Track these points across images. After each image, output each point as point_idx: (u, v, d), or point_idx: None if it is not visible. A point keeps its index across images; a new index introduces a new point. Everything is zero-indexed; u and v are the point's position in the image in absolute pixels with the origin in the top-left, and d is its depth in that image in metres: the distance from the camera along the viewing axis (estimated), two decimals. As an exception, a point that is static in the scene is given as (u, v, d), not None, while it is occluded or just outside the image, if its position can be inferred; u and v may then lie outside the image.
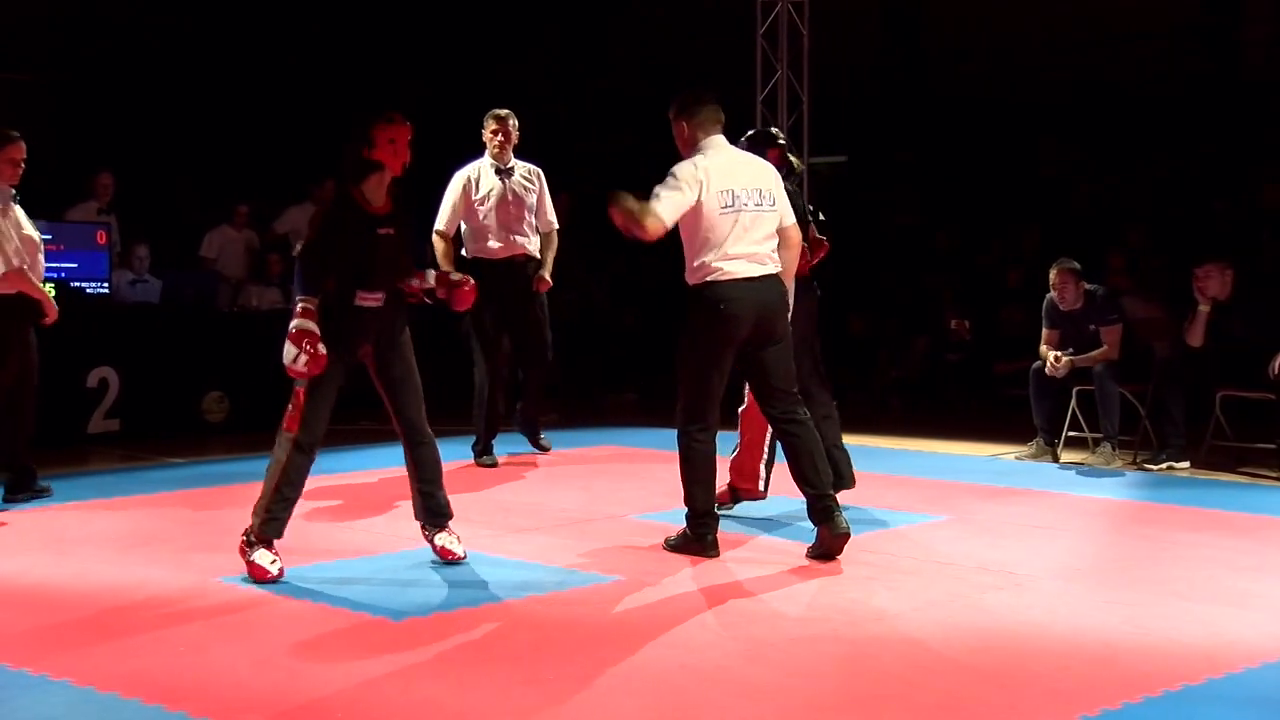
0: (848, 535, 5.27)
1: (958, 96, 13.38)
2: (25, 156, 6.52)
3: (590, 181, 12.54)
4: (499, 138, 7.73)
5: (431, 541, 5.33)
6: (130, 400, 8.90)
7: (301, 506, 6.49)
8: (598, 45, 15.08)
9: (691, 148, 5.45)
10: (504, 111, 7.81)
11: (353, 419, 9.27)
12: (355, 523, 6.09)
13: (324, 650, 4.13)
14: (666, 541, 5.50)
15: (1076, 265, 8.13)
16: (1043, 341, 8.20)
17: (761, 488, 6.25)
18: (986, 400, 10.60)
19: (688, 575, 5.11)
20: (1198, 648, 4.18)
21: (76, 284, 8.94)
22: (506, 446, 8.12)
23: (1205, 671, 3.94)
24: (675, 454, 6.84)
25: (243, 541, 5.06)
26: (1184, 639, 4.28)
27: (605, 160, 13.51)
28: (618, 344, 11.97)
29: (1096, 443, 8.06)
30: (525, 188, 7.85)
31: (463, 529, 5.89)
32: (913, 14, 14.16)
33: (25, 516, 6.27)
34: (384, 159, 5.02)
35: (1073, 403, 8.19)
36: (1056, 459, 8.10)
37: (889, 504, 6.48)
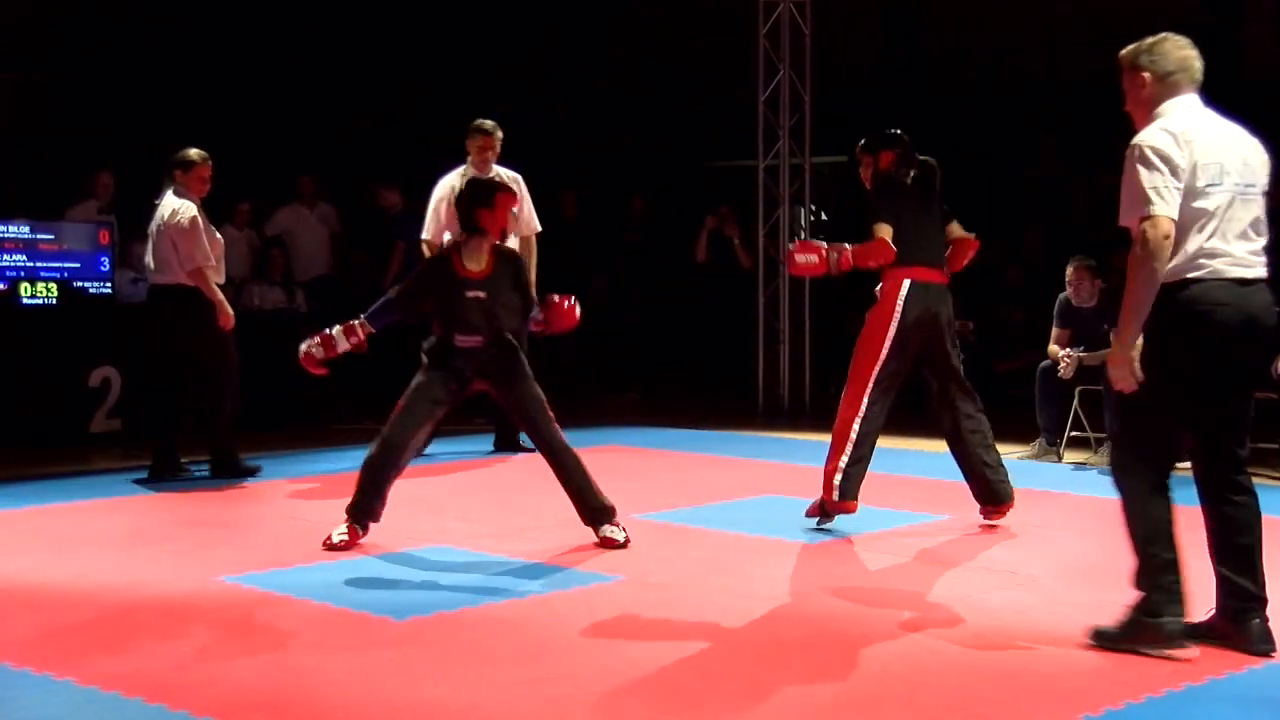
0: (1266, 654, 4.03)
1: (958, 96, 13.38)
2: (212, 173, 7.33)
3: (590, 182, 12.55)
4: (487, 153, 7.95)
5: (597, 533, 5.58)
6: (132, 400, 8.90)
7: (302, 507, 6.50)
8: (598, 45, 15.07)
9: (1148, 110, 4.15)
10: (489, 124, 7.99)
11: (358, 419, 9.32)
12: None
13: (327, 650, 4.13)
14: (1099, 635, 4.16)
15: (1093, 262, 8.16)
16: (1052, 340, 8.19)
17: (836, 495, 5.77)
18: (988, 400, 10.58)
19: (690, 576, 5.11)
20: (1201, 648, 4.17)
21: (79, 284, 8.94)
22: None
23: (1208, 671, 3.94)
24: (677, 454, 6.81)
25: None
26: (1186, 639, 4.28)
27: (605, 160, 13.50)
28: (619, 344, 11.97)
29: (1099, 443, 8.06)
30: None
31: (464, 528, 5.90)
32: (913, 14, 14.17)
33: (27, 516, 6.27)
34: (486, 226, 5.52)
35: (1075, 402, 8.19)
36: (1060, 459, 8.10)
37: (891, 503, 6.48)
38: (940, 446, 8.65)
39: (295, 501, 6.69)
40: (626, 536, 5.54)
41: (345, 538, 5.46)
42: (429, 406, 5.50)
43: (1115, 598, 4.80)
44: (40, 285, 8.78)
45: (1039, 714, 3.63)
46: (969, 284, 11.69)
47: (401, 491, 6.83)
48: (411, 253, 10.78)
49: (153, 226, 7.19)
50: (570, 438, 8.61)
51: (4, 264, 8.72)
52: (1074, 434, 8.23)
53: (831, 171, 13.91)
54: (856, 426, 5.71)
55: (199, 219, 7.10)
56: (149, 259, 7.23)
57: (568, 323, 5.66)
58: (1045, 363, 8.18)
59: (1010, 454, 8.32)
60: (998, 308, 11.31)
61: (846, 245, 5.78)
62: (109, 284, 9.16)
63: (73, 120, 11.48)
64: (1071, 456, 8.16)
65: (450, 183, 7.91)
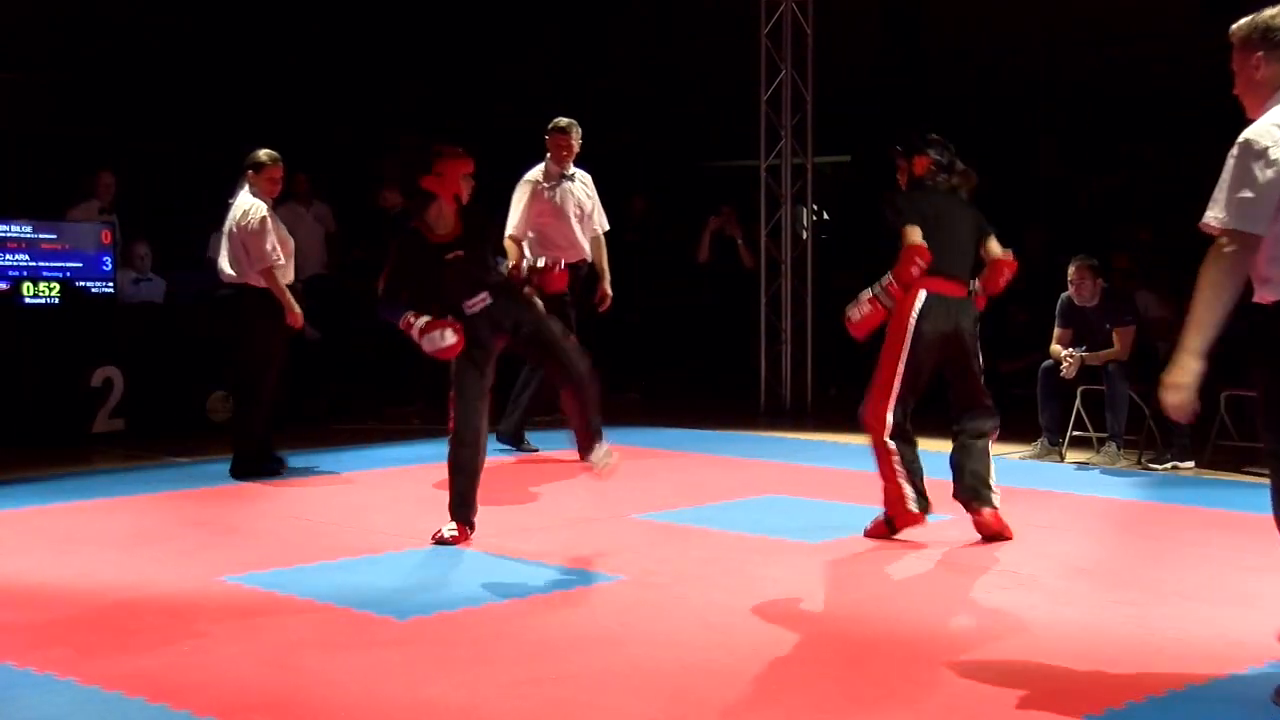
0: None
1: (959, 95, 13.38)
2: (283, 174, 7.49)
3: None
4: (563, 151, 8.05)
5: (593, 459, 5.68)
6: (134, 400, 8.91)
7: (304, 508, 6.50)
8: (598, 45, 15.08)
9: (1264, 96, 3.63)
10: (565, 122, 8.09)
11: (361, 419, 9.32)
12: (359, 522, 6.09)
13: (328, 650, 4.13)
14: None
15: (1095, 262, 8.15)
16: (1054, 340, 8.19)
17: (913, 508, 5.56)
18: (991, 399, 10.58)
19: (691, 576, 5.11)
20: (1202, 648, 4.17)
21: (81, 284, 8.94)
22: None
23: (1210, 672, 3.94)
24: (679, 454, 6.78)
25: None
26: (1188, 639, 4.28)
27: (605, 160, 13.51)
28: (620, 343, 11.96)
29: (1101, 442, 8.05)
30: (586, 195, 8.18)
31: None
32: (913, 13, 14.16)
33: (29, 516, 6.27)
34: (433, 189, 5.48)
35: (1077, 402, 8.18)
36: (1062, 459, 8.10)
37: (892, 504, 6.47)
38: (944, 446, 8.62)
39: (297, 501, 6.69)
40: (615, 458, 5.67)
41: (455, 533, 5.56)
42: (479, 382, 5.52)
43: (1117, 597, 4.82)
44: (42, 285, 8.80)
45: (1042, 714, 3.62)
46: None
47: (403, 491, 6.85)
48: None
49: (226, 227, 7.33)
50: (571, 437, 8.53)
51: (6, 263, 8.72)
52: (1076, 434, 8.22)
53: (834, 171, 13.92)
54: (892, 442, 5.57)
55: (269, 219, 7.22)
56: (223, 259, 7.33)
57: (558, 287, 5.89)
58: (1047, 362, 8.18)
59: (1012, 454, 8.33)
60: (999, 307, 11.31)
61: (886, 276, 5.57)
62: (111, 284, 9.16)
63: (73, 120, 11.49)
64: (1074, 456, 8.16)
65: (530, 179, 8.04)
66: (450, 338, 5.33)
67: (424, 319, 5.36)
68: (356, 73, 13.04)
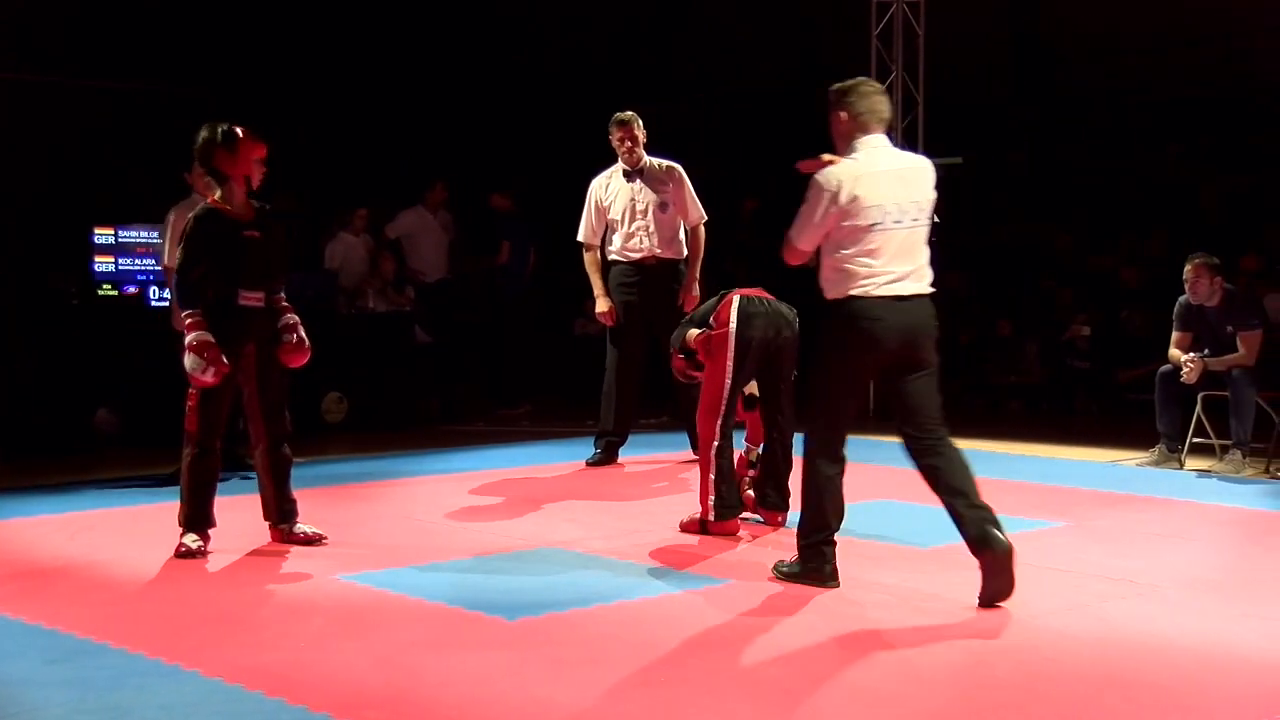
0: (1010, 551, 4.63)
1: (1082, 98, 13.13)
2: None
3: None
4: (626, 143, 7.63)
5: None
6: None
7: (416, 508, 6.58)
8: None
9: (844, 142, 4.88)
10: (625, 115, 7.67)
11: (471, 420, 9.39)
12: (469, 523, 6.17)
13: (440, 648, 4.19)
14: (777, 568, 5.08)
15: (1215, 260, 7.85)
16: (1173, 344, 7.95)
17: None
18: (1108, 404, 10.36)
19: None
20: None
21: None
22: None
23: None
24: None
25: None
26: (1318, 653, 4.14)
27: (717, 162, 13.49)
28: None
29: (1224, 449, 7.82)
30: (659, 187, 7.67)
31: (574, 530, 5.91)
32: (1032, 14, 13.92)
33: (161, 511, 6.44)
34: (226, 170, 5.46)
35: (1198, 408, 7.95)
36: (1181, 466, 7.88)
37: (1005, 509, 6.27)
38: (1059, 452, 8.44)
39: (409, 502, 6.79)
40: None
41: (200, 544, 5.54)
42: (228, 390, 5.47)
43: (1243, 610, 4.67)
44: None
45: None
46: (1088, 287, 11.55)
47: (510, 493, 6.91)
48: (515, 252, 10.90)
49: None
50: (662, 440, 8.51)
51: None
52: (1196, 440, 7.99)
53: (945, 172, 13.72)
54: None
55: None
56: None
57: (296, 364, 5.60)
58: (1165, 367, 7.96)
59: (1129, 460, 8.14)
60: (1117, 310, 11.07)
61: None
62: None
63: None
64: (1194, 464, 7.93)
65: (601, 182, 7.79)
66: (209, 376, 5.24)
67: (199, 334, 5.23)
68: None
